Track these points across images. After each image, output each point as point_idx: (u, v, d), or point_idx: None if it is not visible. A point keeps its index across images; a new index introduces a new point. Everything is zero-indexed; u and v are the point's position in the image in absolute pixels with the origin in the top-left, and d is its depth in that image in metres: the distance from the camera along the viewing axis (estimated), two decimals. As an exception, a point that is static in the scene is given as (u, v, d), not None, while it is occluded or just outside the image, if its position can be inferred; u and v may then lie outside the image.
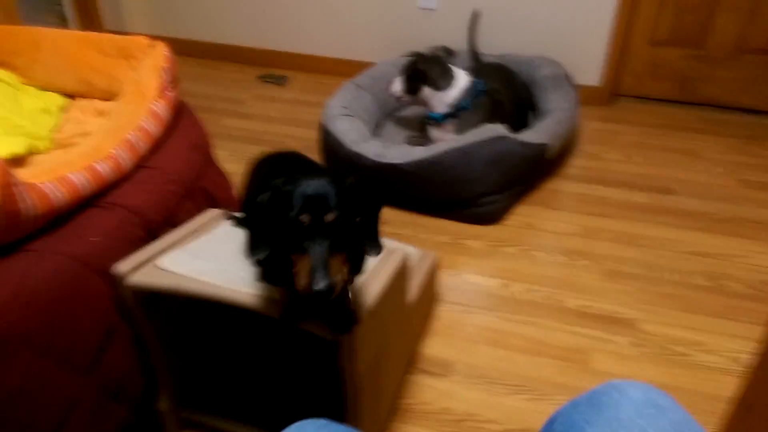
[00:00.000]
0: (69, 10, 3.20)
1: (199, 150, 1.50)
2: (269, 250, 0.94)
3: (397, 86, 2.33)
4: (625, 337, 1.67)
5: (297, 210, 0.85)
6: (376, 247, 0.96)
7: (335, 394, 1.16)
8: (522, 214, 2.20)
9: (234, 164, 2.44)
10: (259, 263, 1.06)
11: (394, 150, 2.07)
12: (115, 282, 1.09)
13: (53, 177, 1.13)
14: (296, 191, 0.87)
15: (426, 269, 1.58)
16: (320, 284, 0.82)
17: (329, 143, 2.20)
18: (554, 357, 1.59)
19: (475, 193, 2.07)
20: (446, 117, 2.24)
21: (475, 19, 2.83)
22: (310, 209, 0.85)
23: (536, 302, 1.79)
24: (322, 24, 3.15)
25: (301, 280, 0.84)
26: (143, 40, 1.58)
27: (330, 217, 0.86)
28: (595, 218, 2.18)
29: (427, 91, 2.26)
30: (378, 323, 1.11)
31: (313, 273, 0.83)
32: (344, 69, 3.16)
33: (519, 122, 2.38)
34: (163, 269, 1.11)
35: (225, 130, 2.71)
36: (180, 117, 1.54)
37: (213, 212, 1.37)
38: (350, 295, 1.04)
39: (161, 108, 1.45)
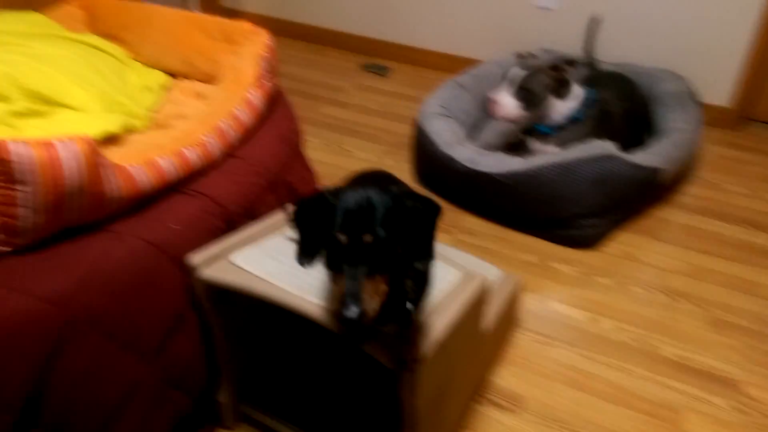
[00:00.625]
0: (191, -15, 3.30)
1: (288, 142, 1.47)
2: (313, 260, 0.91)
3: (511, 104, 2.00)
4: (725, 399, 1.48)
5: (336, 227, 0.81)
6: (426, 258, 0.91)
7: (394, 416, 1.09)
8: (622, 242, 2.02)
9: (324, 153, 2.43)
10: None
11: (489, 157, 1.96)
12: (189, 272, 1.08)
13: (142, 160, 1.13)
14: (339, 205, 0.82)
15: (508, 294, 1.47)
16: (350, 311, 0.78)
17: (422, 142, 2.12)
18: (641, 411, 1.44)
19: (572, 214, 1.92)
20: (555, 129, 2.07)
21: (593, 25, 2.64)
22: (349, 228, 0.81)
23: (627, 344, 1.63)
24: (432, 16, 3.06)
25: (333, 304, 0.82)
26: (247, 26, 1.57)
27: (368, 238, 0.80)
28: (706, 257, 1.96)
29: (550, 102, 2.02)
30: (445, 356, 1.02)
31: (345, 298, 0.78)
32: (449, 64, 3.05)
33: (632, 140, 2.19)
34: (235, 266, 1.09)
35: (321, 118, 2.70)
36: (274, 107, 1.51)
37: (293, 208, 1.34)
38: (414, 322, 0.96)
39: (256, 97, 1.43)
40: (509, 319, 1.57)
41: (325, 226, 0.83)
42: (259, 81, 1.44)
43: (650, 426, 1.40)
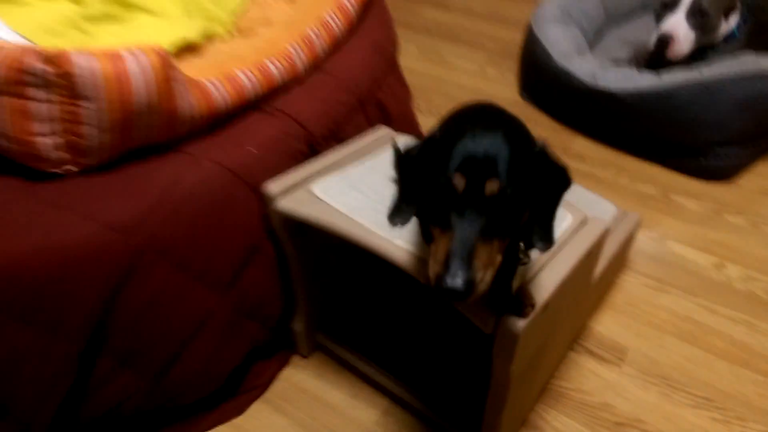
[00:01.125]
0: None
1: (382, 53, 1.32)
2: (411, 217, 0.75)
3: (688, 37, 1.62)
4: None
5: (452, 170, 0.64)
6: (547, 241, 0.72)
7: (481, 373, 1.00)
8: (761, 175, 1.73)
9: (419, 62, 2.24)
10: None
11: (614, 73, 1.70)
12: (265, 201, 1.00)
13: (220, 73, 1.03)
14: (456, 145, 0.65)
15: (623, 235, 1.29)
16: (456, 279, 0.61)
17: (534, 53, 1.87)
18: (764, 373, 1.26)
19: (708, 141, 1.65)
20: (702, 50, 1.71)
21: None
22: (468, 171, 0.64)
23: (756, 296, 1.41)
24: None
25: (434, 266, 0.64)
26: None
27: (493, 186, 0.63)
28: None
29: (722, 26, 1.65)
30: (549, 317, 0.90)
31: (450, 260, 0.62)
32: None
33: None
34: (316, 197, 0.99)
35: (420, 21, 2.47)
36: (368, 11, 1.35)
37: (384, 131, 1.21)
38: (514, 281, 0.83)
39: (351, 1, 1.27)
40: (620, 261, 1.40)
41: (434, 171, 0.66)
42: (352, -20, 1.27)
43: (775, 393, 1.23)
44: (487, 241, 0.64)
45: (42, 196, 0.85)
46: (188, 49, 1.16)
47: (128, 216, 0.87)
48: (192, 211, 0.93)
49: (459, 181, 0.64)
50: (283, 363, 1.24)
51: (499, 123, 0.68)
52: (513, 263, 0.79)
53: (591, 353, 1.30)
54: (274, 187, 0.99)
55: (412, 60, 2.21)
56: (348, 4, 1.25)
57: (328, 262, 1.19)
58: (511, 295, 0.81)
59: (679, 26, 1.62)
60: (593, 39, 2.05)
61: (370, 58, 1.26)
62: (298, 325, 1.19)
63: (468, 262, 0.62)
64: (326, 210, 0.96)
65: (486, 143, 0.64)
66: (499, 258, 0.67)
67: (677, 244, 1.55)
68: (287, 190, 1.00)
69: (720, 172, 1.70)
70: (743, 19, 1.67)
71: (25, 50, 0.83)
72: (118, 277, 0.86)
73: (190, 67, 1.03)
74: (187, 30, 1.14)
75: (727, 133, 1.61)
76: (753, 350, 1.30)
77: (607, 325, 1.35)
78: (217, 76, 1.02)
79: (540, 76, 1.86)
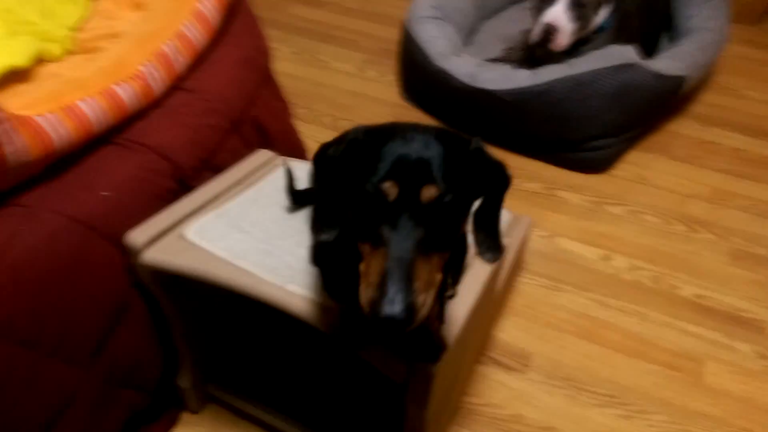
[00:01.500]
0: None
1: (251, 64, 1.19)
2: (337, 231, 0.65)
3: (569, 29, 1.61)
4: (749, 345, 1.35)
5: (381, 175, 0.56)
6: (495, 251, 0.65)
7: (387, 411, 0.93)
8: (635, 163, 1.81)
9: (294, 64, 2.11)
10: (318, 246, 0.79)
11: (490, 71, 1.68)
12: (129, 254, 0.85)
13: (57, 105, 0.86)
14: (385, 147, 0.57)
15: (519, 241, 1.28)
16: (395, 306, 0.52)
17: (411, 53, 1.82)
18: (659, 362, 1.30)
19: (584, 135, 1.69)
20: (575, 44, 1.72)
21: None
22: (401, 177, 0.56)
23: (643, 285, 1.47)
24: None
25: (366, 291, 0.55)
26: None
27: (430, 192, 0.56)
28: (727, 177, 1.77)
29: (603, 11, 1.67)
30: (460, 347, 0.84)
31: (386, 282, 0.53)
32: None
33: (649, 40, 1.91)
34: (190, 242, 0.86)
35: (292, 21, 2.34)
36: (233, 18, 1.21)
37: (264, 154, 1.09)
38: (443, 314, 0.76)
39: (209, 6, 1.13)
40: (517, 265, 1.39)
41: (360, 177, 0.57)
42: (209, -14, 1.13)
43: (669, 379, 1.27)
44: (426, 257, 0.56)
45: None
46: (16, 77, 0.96)
47: (-53, 296, 0.69)
48: (34, 276, 0.77)
49: (391, 189, 0.56)
50: (171, 423, 1.10)
51: (428, 126, 0.61)
52: (438, 297, 0.71)
53: (497, 363, 1.27)
54: (137, 236, 0.84)
55: (286, 63, 2.08)
56: (206, 11, 1.11)
57: (214, 310, 1.06)
58: (430, 335, 0.73)
59: (560, 17, 1.63)
60: (467, 35, 2.04)
61: (240, 71, 1.13)
62: (185, 381, 1.05)
63: (407, 283, 0.53)
64: (204, 257, 0.83)
65: (418, 145, 0.57)
66: (439, 277, 0.58)
67: (566, 240, 1.58)
68: (155, 238, 0.86)
69: (598, 164, 1.75)
70: (612, 10, 1.73)
71: None
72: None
73: (18, 100, 0.85)
74: (12, 55, 0.94)
75: (601, 125, 1.66)
76: (646, 340, 1.35)
77: (509, 331, 1.34)
78: (53, 109, 0.85)
79: (420, 76, 1.81)
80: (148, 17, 1.12)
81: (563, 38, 1.64)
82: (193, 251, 0.84)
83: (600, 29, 1.73)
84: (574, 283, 1.46)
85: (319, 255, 0.78)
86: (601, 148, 1.72)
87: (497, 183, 0.64)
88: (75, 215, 0.82)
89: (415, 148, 0.57)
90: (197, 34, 1.10)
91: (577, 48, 1.72)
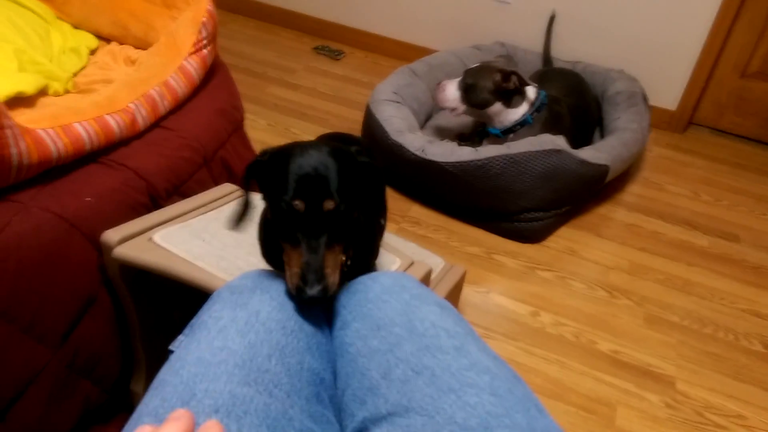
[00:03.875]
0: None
1: (226, 116, 1.39)
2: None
3: (453, 94, 2.00)
4: (657, 395, 1.49)
5: (290, 194, 0.70)
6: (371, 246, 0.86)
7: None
8: (565, 237, 2.02)
9: (268, 135, 2.34)
10: (259, 239, 0.93)
11: (438, 146, 1.92)
12: (102, 250, 0.99)
13: (57, 124, 1.03)
14: (291, 166, 0.71)
15: (451, 285, 1.43)
16: (314, 289, 0.68)
17: (372, 128, 2.06)
18: (576, 405, 1.43)
19: (519, 207, 1.90)
20: (504, 132, 2.04)
21: (552, 21, 2.64)
22: (306, 194, 0.70)
23: (565, 338, 1.62)
24: (388, 2, 2.99)
25: (291, 279, 0.70)
26: (188, -10, 1.47)
27: (329, 205, 0.71)
28: (645, 255, 1.99)
29: (496, 108, 2.00)
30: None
31: (305, 274, 0.69)
32: (404, 52, 3.00)
33: (581, 138, 2.19)
34: (156, 245, 1.00)
35: (270, 99, 2.60)
36: (212, 77, 1.42)
37: (228, 187, 1.26)
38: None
39: (193, 65, 1.34)
40: (450, 310, 1.53)
41: (275, 190, 0.72)
42: (197, 48, 1.35)
43: (585, 420, 1.40)
44: (331, 248, 0.72)
45: None
46: (21, 101, 1.13)
47: (-56, 263, 0.81)
48: (20, 259, 0.90)
49: (299, 205, 0.70)
50: (122, 427, 1.16)
51: (322, 144, 0.76)
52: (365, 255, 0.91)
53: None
54: (112, 234, 0.98)
55: (261, 132, 2.30)
56: (191, 69, 1.32)
57: (172, 320, 1.17)
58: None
59: (450, 84, 2.02)
60: (424, 120, 2.30)
61: (214, 119, 1.33)
62: (138, 386, 1.14)
63: (320, 272, 0.69)
64: (166, 256, 0.97)
65: (316, 162, 0.72)
66: (342, 257, 0.75)
67: (500, 296, 1.74)
68: (127, 239, 1.00)
69: (531, 235, 1.95)
70: (536, 109, 2.01)
71: None
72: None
73: (23, 118, 1.01)
74: (20, 83, 1.13)
75: (533, 200, 1.88)
76: (564, 385, 1.48)
77: (441, 370, 1.46)
78: (53, 127, 1.02)
79: (379, 149, 2.04)
80: (140, 69, 1.32)
81: (444, 97, 2.02)
82: (158, 251, 0.98)
83: (522, 123, 2.00)
84: (503, 333, 1.61)
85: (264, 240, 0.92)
86: (533, 220, 1.93)
87: (377, 180, 0.82)
88: (60, 213, 0.96)
89: (314, 166, 0.71)
90: (181, 85, 1.30)
91: (505, 134, 2.00)
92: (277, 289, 0.72)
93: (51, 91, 1.21)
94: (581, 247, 1.98)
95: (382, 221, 0.93)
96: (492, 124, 2.05)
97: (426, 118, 2.35)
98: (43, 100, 1.18)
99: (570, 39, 2.73)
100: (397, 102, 2.13)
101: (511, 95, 1.99)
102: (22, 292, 0.90)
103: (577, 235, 2.03)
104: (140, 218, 1.05)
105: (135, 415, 0.57)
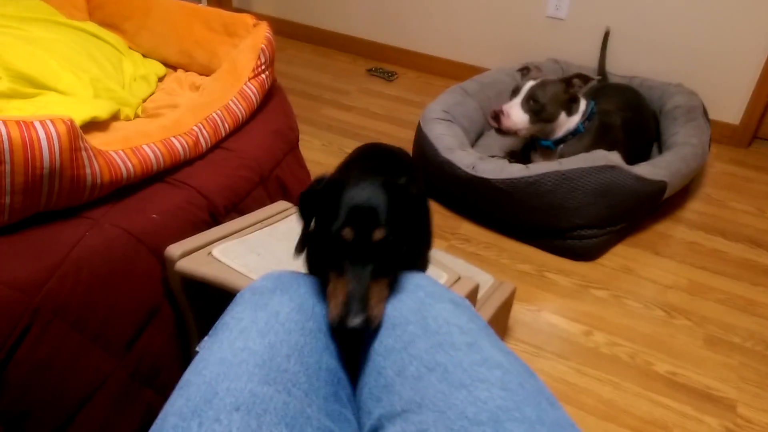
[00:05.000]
0: (202, -17, 3.31)
1: (282, 137, 1.45)
2: (305, 252, 0.83)
3: (520, 117, 1.94)
4: (717, 419, 1.44)
5: (340, 222, 0.71)
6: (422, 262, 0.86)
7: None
8: (621, 255, 1.98)
9: (323, 154, 2.41)
10: (306, 258, 0.94)
11: (489, 163, 1.93)
12: (165, 264, 1.05)
13: (127, 146, 1.11)
14: (344, 196, 0.73)
15: (500, 301, 1.44)
16: (355, 319, 0.67)
17: (423, 146, 2.09)
18: (630, 427, 1.40)
19: (572, 224, 1.88)
20: (555, 143, 2.03)
21: (606, 38, 2.62)
22: (356, 223, 0.71)
23: (620, 359, 1.59)
24: (439, 23, 3.04)
25: (333, 309, 0.70)
26: (248, 19, 1.56)
27: (379, 234, 0.71)
28: (706, 273, 1.92)
29: (561, 118, 1.98)
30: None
31: (348, 304, 0.68)
32: (455, 71, 3.03)
33: (635, 151, 2.15)
34: (215, 258, 1.06)
35: (324, 120, 2.68)
36: (270, 100, 1.49)
37: (283, 205, 1.32)
38: None
39: (252, 89, 1.41)
40: (500, 328, 1.54)
41: (326, 218, 0.73)
42: (256, 73, 1.42)
43: (639, 444, 1.36)
44: (377, 280, 0.71)
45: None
46: (96, 125, 1.23)
47: (27, 275, 0.89)
48: (92, 271, 0.97)
49: (348, 233, 0.71)
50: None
51: (376, 177, 0.76)
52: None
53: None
54: (175, 249, 1.05)
55: (316, 152, 2.38)
56: (250, 93, 1.39)
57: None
58: None
59: (513, 107, 1.96)
60: (475, 138, 2.32)
61: (271, 140, 1.39)
62: (194, 393, 1.20)
63: (364, 303, 0.68)
64: (224, 269, 1.03)
65: (368, 194, 0.72)
66: (387, 291, 0.75)
67: (551, 314, 1.72)
68: (188, 253, 1.06)
69: (584, 252, 1.93)
70: (588, 118, 1.99)
71: (-66, 114, 0.88)
72: (14, 334, 0.87)
73: (97, 141, 1.10)
74: (95, 109, 1.22)
75: (586, 218, 1.86)
76: (618, 407, 1.45)
77: (491, 387, 1.45)
78: (123, 149, 1.10)
79: (430, 167, 2.07)
80: (203, 94, 1.40)
81: (508, 121, 1.95)
82: (216, 264, 1.04)
83: (575, 132, 1.99)
84: (555, 351, 1.59)
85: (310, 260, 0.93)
86: (587, 238, 1.90)
87: (422, 211, 0.81)
88: (129, 229, 1.04)
89: (366, 197, 0.72)
90: (241, 108, 1.37)
91: (556, 145, 1.99)
92: (296, 291, 0.74)
93: (122, 116, 1.31)
94: (638, 265, 1.94)
95: (428, 255, 0.93)
96: (547, 137, 2.04)
97: (477, 136, 2.36)
98: (115, 125, 1.27)
99: (626, 54, 2.69)
100: (448, 120, 2.16)
101: (572, 103, 1.98)
102: (92, 302, 0.97)
103: (633, 253, 1.99)
104: (201, 234, 1.11)
105: (161, 415, 0.61)
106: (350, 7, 3.22)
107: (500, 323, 1.54)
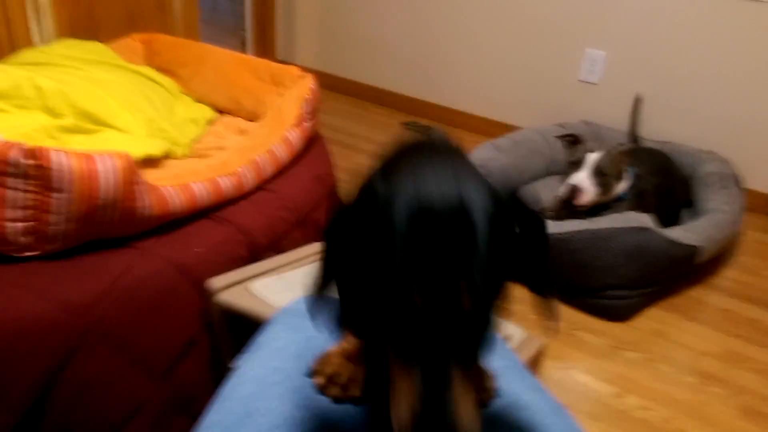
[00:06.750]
0: (250, 36, 3.48)
1: (321, 182, 1.50)
2: (329, 303, 0.54)
3: (591, 190, 1.89)
4: (755, 495, 1.37)
5: (399, 272, 0.41)
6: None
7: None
8: (654, 319, 1.95)
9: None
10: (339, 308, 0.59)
11: (520, 219, 1.94)
12: (206, 296, 1.09)
13: (177, 183, 1.16)
14: (406, 235, 0.41)
15: (529, 356, 1.42)
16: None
17: (455, 200, 2.13)
18: (661, 495, 1.35)
19: (603, 284, 1.87)
20: (601, 209, 2.01)
21: (638, 104, 2.66)
22: (430, 285, 0.41)
23: (651, 424, 1.54)
24: (475, 82, 3.13)
25: (400, 411, 0.43)
26: (295, 71, 1.64)
27: (466, 301, 0.42)
28: (741, 342, 1.87)
29: (618, 187, 1.97)
30: None
31: (422, 408, 0.42)
32: (489, 128, 3.10)
33: (666, 215, 2.15)
34: (253, 293, 1.09)
35: (358, 167, 2.74)
36: (311, 147, 1.55)
37: (318, 246, 1.35)
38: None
39: (295, 136, 1.47)
40: (528, 383, 1.51)
41: (370, 260, 0.43)
42: (299, 121, 1.49)
43: None
44: (466, 369, 0.44)
45: (1, 275, 0.92)
46: (150, 162, 1.30)
47: (79, 298, 0.94)
48: (137, 299, 1.01)
49: (419, 299, 0.42)
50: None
51: (465, 186, 0.44)
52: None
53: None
54: (216, 282, 1.08)
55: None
56: (292, 139, 1.45)
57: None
58: None
59: (584, 181, 1.94)
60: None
61: (310, 184, 1.44)
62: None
63: (449, 417, 0.42)
64: (261, 304, 1.06)
65: (451, 231, 0.41)
66: (478, 380, 0.50)
67: (581, 373, 1.69)
68: (228, 287, 1.09)
69: (616, 313, 1.90)
70: (630, 185, 2.00)
71: (10, 145, 0.94)
72: (64, 353, 0.91)
73: (150, 176, 1.16)
74: (150, 147, 1.30)
75: (618, 277, 1.84)
76: (649, 473, 1.40)
77: (517, 444, 1.42)
78: (174, 185, 1.15)
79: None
80: (249, 138, 1.47)
81: (584, 197, 1.92)
82: (254, 299, 1.07)
83: (619, 199, 2.00)
84: (585, 412, 1.55)
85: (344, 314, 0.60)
86: (619, 298, 1.88)
87: (539, 240, 0.51)
88: (173, 260, 1.08)
89: (446, 237, 0.40)
90: (283, 153, 1.43)
91: (598, 212, 1.98)
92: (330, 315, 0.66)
93: (173, 155, 1.38)
94: (671, 329, 1.90)
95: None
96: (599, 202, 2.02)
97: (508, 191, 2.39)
98: (166, 162, 1.34)
99: (658, 119, 2.72)
100: (484, 174, 2.20)
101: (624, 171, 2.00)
102: (136, 328, 1.00)
103: (666, 317, 1.96)
104: (240, 269, 1.15)
105: (198, 429, 0.62)
106: (388, 63, 3.34)
107: (529, 379, 1.51)
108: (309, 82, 1.58)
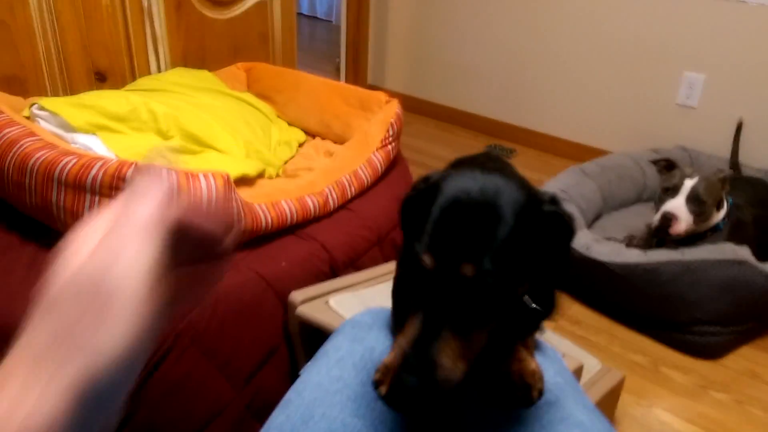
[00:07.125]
0: (344, 62, 3.65)
1: (400, 202, 1.56)
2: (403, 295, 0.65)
3: (688, 219, 1.81)
4: None
5: (424, 242, 0.52)
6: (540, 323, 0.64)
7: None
8: (746, 358, 1.83)
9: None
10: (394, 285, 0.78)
11: (604, 246, 1.90)
12: (287, 308, 1.16)
13: (268, 201, 1.26)
14: (437, 203, 0.52)
15: (606, 389, 1.39)
16: (408, 377, 0.51)
17: (537, 225, 2.11)
18: None
19: (692, 318, 1.79)
20: (696, 239, 1.91)
21: (739, 129, 2.53)
22: (440, 248, 0.51)
23: (740, 470, 1.46)
24: (564, 104, 3.09)
25: (389, 356, 0.59)
26: (382, 96, 1.72)
27: (468, 270, 0.50)
28: None
29: (715, 217, 1.88)
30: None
31: (407, 355, 0.51)
32: (576, 152, 3.04)
33: (765, 248, 2.02)
34: (330, 308, 1.16)
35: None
36: (393, 168, 1.62)
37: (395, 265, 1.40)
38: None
39: (378, 158, 1.54)
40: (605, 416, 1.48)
41: (412, 236, 0.54)
42: (383, 144, 1.56)
43: None
44: (461, 330, 0.51)
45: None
46: (245, 181, 1.41)
47: (175, 301, 1.04)
48: (226, 307, 1.10)
49: (428, 260, 0.51)
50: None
51: (500, 184, 0.53)
52: (517, 334, 0.66)
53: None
54: (298, 296, 1.16)
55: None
56: (376, 161, 1.52)
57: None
58: (512, 381, 0.64)
59: (680, 208, 1.84)
60: (592, 219, 2.30)
61: (390, 204, 1.50)
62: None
63: (427, 363, 0.50)
64: (337, 319, 1.12)
65: (473, 206, 0.51)
66: (478, 346, 0.54)
67: (664, 412, 1.62)
68: (308, 300, 1.17)
69: (705, 350, 1.81)
70: (727, 215, 1.91)
71: (124, 162, 1.07)
72: (158, 355, 1.00)
73: (244, 194, 1.26)
74: (246, 167, 1.41)
75: (708, 312, 1.76)
76: None
77: (590, 477, 1.39)
78: (265, 202, 1.25)
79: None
80: (336, 160, 1.56)
81: (680, 226, 1.83)
82: (331, 314, 1.13)
83: (715, 228, 1.90)
84: (665, 451, 1.49)
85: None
86: (709, 335, 1.79)
87: (562, 242, 0.57)
88: (261, 273, 1.17)
89: (467, 210, 0.51)
90: (367, 174, 1.50)
91: (691, 242, 1.90)
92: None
93: (266, 175, 1.49)
94: (765, 370, 1.78)
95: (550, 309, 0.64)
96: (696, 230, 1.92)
97: (594, 217, 2.34)
98: (260, 181, 1.45)
99: (762, 146, 2.57)
100: (564, 200, 2.17)
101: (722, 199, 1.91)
102: (223, 335, 1.09)
103: (761, 358, 1.84)
104: (320, 284, 1.22)
105: (264, 429, 0.67)
106: (473, 86, 3.37)
107: (605, 413, 1.48)
108: (394, 107, 1.65)
